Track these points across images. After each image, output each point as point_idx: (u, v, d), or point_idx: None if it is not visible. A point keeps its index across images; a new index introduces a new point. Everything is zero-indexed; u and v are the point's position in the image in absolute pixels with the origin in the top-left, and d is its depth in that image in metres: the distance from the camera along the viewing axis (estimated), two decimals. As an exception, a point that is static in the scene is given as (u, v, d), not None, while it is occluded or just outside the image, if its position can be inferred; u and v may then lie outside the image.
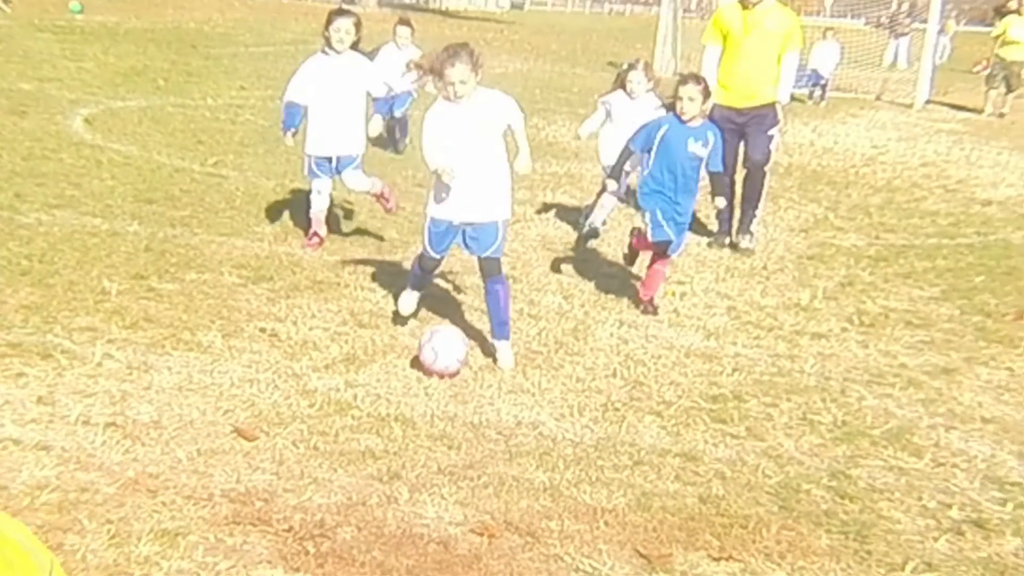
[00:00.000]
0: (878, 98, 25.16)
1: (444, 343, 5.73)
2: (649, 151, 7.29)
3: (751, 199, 9.48)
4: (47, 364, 5.43)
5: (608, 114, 9.16)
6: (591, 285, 7.80)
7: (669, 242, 7.25)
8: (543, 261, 8.31)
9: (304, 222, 8.24)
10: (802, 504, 4.73)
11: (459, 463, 4.78)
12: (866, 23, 41.39)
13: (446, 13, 47.29)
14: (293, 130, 7.85)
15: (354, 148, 7.84)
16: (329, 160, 7.83)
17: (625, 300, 7.51)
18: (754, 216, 9.49)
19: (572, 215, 9.96)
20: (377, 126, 7.85)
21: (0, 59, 16.12)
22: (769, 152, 9.41)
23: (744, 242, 9.40)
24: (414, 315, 6.51)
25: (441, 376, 5.69)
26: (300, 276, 7.30)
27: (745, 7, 9.20)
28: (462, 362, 5.78)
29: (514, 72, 22.86)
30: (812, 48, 24.83)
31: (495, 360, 6.06)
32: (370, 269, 7.50)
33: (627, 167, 7.79)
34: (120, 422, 4.89)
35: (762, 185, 9.51)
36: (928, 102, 24.12)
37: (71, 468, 4.43)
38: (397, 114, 11.93)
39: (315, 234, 7.97)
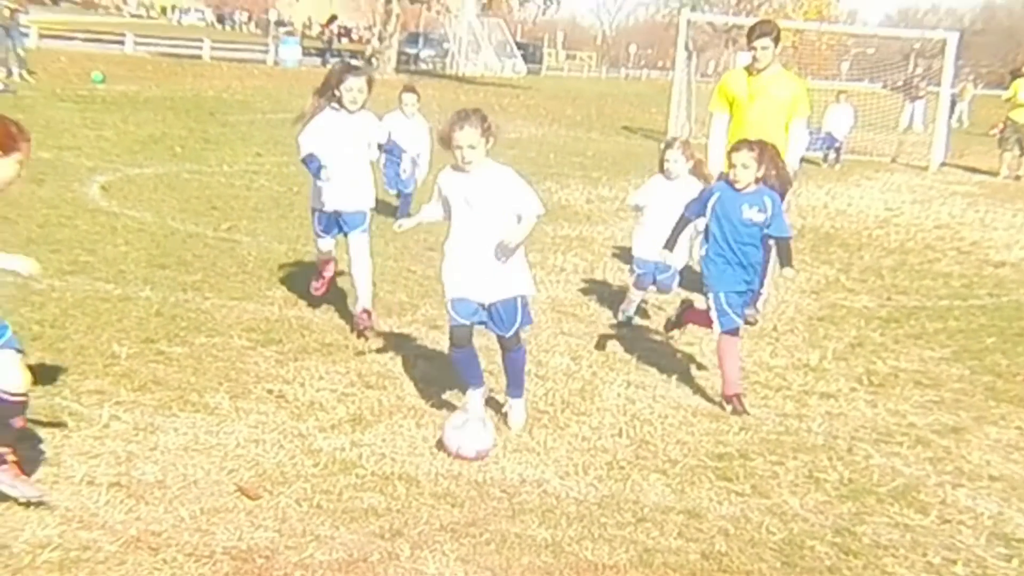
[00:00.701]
0: (893, 160, 25.29)
1: (471, 435, 5.51)
2: (702, 216, 6.96)
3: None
4: (54, 427, 5.47)
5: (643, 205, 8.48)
6: (599, 347, 7.82)
7: (738, 328, 6.90)
8: (552, 323, 8.35)
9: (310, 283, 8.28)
10: (805, 560, 4.71)
11: (462, 520, 4.79)
12: (883, 87, 41.75)
13: (462, 79, 47.96)
14: (324, 168, 7.33)
15: (362, 203, 7.65)
16: (336, 215, 7.61)
17: (633, 361, 7.53)
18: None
19: (582, 277, 10.01)
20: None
21: (22, 129, 16.38)
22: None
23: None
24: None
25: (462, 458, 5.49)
26: (309, 339, 7.36)
27: (750, 73, 9.02)
28: (483, 452, 5.51)
29: (529, 137, 23.10)
30: (826, 111, 25.05)
31: (505, 418, 6.04)
32: (378, 330, 7.55)
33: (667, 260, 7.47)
34: (124, 482, 4.92)
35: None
36: (943, 164, 24.23)
37: (74, 527, 4.45)
38: (406, 190, 11.52)
39: (321, 275, 7.90)
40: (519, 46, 67.26)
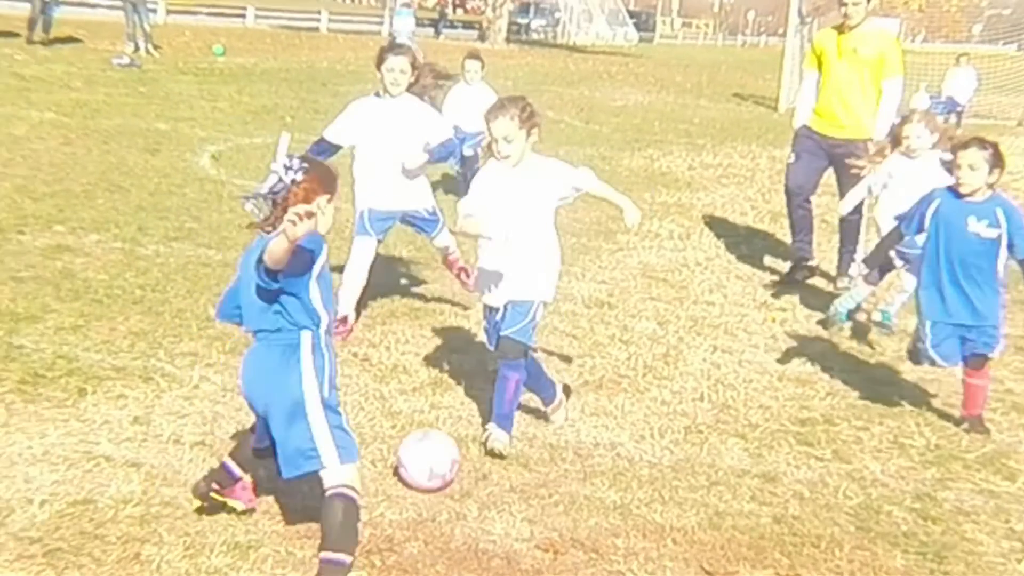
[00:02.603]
0: (1019, 124, 24.38)
1: (423, 457, 4.72)
2: (921, 231, 5.91)
3: (846, 240, 8.88)
4: (147, 387, 5.66)
5: (884, 184, 7.44)
6: (688, 313, 7.76)
7: (967, 357, 5.83)
8: (641, 289, 8.31)
9: (404, 249, 8.36)
10: (881, 525, 4.63)
11: (532, 482, 4.82)
12: (1018, 49, 40.21)
13: (573, 48, 47.74)
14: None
15: (423, 201, 6.91)
16: (390, 217, 6.86)
17: (722, 327, 7.45)
18: (852, 259, 8.80)
19: (676, 244, 9.92)
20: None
21: (142, 101, 16.89)
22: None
23: (842, 283, 8.78)
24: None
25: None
26: (398, 303, 7.46)
27: (840, 31, 8.63)
28: (444, 477, 4.72)
29: (635, 104, 22.91)
30: (946, 75, 24.27)
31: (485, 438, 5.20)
32: (464, 295, 7.60)
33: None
34: (209, 441, 5.06)
35: (857, 228, 8.78)
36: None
37: (157, 484, 4.60)
38: (467, 151, 10.41)
39: (343, 319, 6.66)
40: (631, 14, 66.61)
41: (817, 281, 9.00)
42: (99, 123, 14.24)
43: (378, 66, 6.70)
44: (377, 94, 6.80)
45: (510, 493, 4.70)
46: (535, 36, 54.61)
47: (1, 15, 23.70)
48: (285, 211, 3.66)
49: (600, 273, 8.66)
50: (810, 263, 8.99)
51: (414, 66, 6.69)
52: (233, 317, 4.14)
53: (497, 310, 5.23)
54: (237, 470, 4.31)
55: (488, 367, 6.30)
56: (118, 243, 8.38)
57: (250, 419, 5.24)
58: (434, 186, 7.56)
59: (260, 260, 3.71)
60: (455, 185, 11.01)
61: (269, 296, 3.83)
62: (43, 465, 4.64)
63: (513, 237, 5.11)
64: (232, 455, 4.36)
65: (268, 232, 3.83)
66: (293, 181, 3.83)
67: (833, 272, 9.00)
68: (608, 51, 46.81)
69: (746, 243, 10.21)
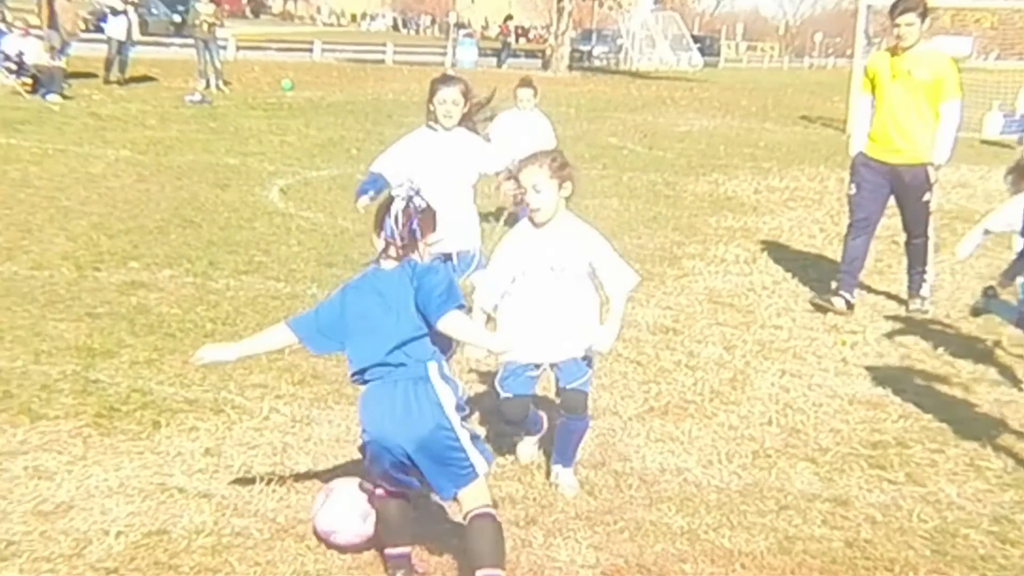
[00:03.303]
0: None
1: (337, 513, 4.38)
2: None
3: (915, 262, 8.69)
4: (218, 419, 5.74)
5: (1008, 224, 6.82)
6: (755, 337, 7.70)
7: None
8: (707, 314, 8.25)
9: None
10: (957, 548, 4.54)
11: (597, 509, 4.81)
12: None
13: (636, 74, 47.71)
14: (372, 193, 6.34)
15: (471, 242, 6.50)
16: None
17: (791, 351, 7.38)
18: (923, 280, 8.68)
19: (742, 269, 9.85)
20: None
21: (213, 136, 17.26)
22: (926, 223, 8.54)
23: (914, 305, 8.64)
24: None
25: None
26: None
27: (894, 53, 8.35)
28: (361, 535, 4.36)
29: (699, 129, 22.84)
30: (1020, 92, 23.88)
31: (555, 483, 5.08)
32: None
33: None
34: (279, 472, 5.12)
35: (924, 251, 8.63)
36: None
37: (228, 514, 4.66)
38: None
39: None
40: (695, 39, 66.43)
41: (888, 304, 8.88)
42: (172, 159, 14.58)
43: (430, 99, 6.44)
44: (430, 126, 6.50)
45: (575, 520, 4.69)
46: (597, 63, 54.72)
47: (80, 56, 24.34)
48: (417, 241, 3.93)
49: (665, 299, 8.62)
50: (847, 297, 8.52)
51: (466, 96, 6.42)
52: (331, 349, 4.26)
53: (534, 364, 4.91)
54: (401, 549, 4.17)
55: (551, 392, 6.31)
56: (190, 278, 8.55)
57: (321, 451, 5.34)
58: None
59: (445, 303, 3.88)
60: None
61: (411, 334, 3.93)
62: (119, 497, 4.74)
63: (547, 299, 4.79)
64: (391, 544, 4.18)
65: (395, 259, 3.96)
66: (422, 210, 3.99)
67: (904, 295, 8.86)
68: (672, 76, 46.72)
69: (814, 267, 10.10)
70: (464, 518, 3.96)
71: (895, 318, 8.43)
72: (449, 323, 3.92)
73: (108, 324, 7.16)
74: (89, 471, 4.98)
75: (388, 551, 4.16)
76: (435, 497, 4.21)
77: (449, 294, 3.91)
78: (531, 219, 4.80)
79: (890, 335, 7.90)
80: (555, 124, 11.26)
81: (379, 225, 4.00)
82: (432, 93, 6.41)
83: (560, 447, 5.05)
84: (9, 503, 4.61)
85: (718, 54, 71.73)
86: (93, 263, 8.72)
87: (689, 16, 74.75)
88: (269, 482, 4.99)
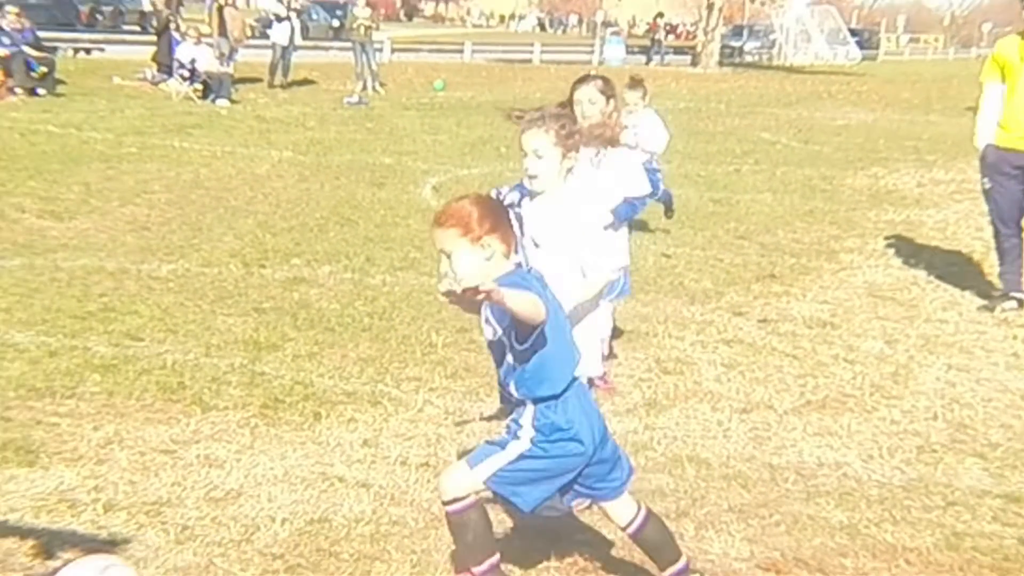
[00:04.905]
0: None
1: None
2: None
3: None
4: (375, 411, 5.87)
5: None
6: (919, 331, 7.45)
7: None
8: (867, 308, 8.03)
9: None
10: None
11: (751, 502, 4.73)
12: None
13: (790, 69, 46.70)
14: None
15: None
16: None
17: (957, 345, 7.13)
18: None
19: (904, 262, 9.56)
20: None
21: (370, 136, 17.66)
22: None
23: None
24: None
25: None
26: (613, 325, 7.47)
27: None
28: None
29: (857, 123, 22.24)
30: None
31: None
32: (680, 317, 7.55)
33: None
34: (432, 463, 5.20)
35: None
36: None
37: (385, 504, 4.75)
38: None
39: None
40: (853, 32, 64.59)
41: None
42: (331, 159, 14.97)
43: (569, 101, 5.75)
44: None
45: (728, 513, 4.63)
46: (749, 59, 53.73)
47: (246, 62, 25.25)
48: None
49: (822, 293, 8.43)
50: (1018, 296, 8.07)
51: (605, 93, 5.76)
52: None
53: None
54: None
55: (702, 386, 6.25)
56: (348, 274, 8.77)
57: (473, 443, 5.39)
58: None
59: None
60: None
61: None
62: (284, 485, 4.88)
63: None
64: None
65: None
66: None
67: None
68: (828, 71, 45.53)
69: (984, 259, 9.69)
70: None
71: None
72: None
73: (273, 319, 7.40)
74: (256, 460, 5.14)
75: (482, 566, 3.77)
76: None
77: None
78: (527, 186, 4.28)
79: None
80: (704, 120, 11.17)
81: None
82: (571, 94, 5.83)
83: None
84: (184, 489, 4.80)
85: (877, 47, 69.57)
86: (259, 260, 9.03)
87: (847, 10, 72.66)
88: (424, 472, 5.07)
